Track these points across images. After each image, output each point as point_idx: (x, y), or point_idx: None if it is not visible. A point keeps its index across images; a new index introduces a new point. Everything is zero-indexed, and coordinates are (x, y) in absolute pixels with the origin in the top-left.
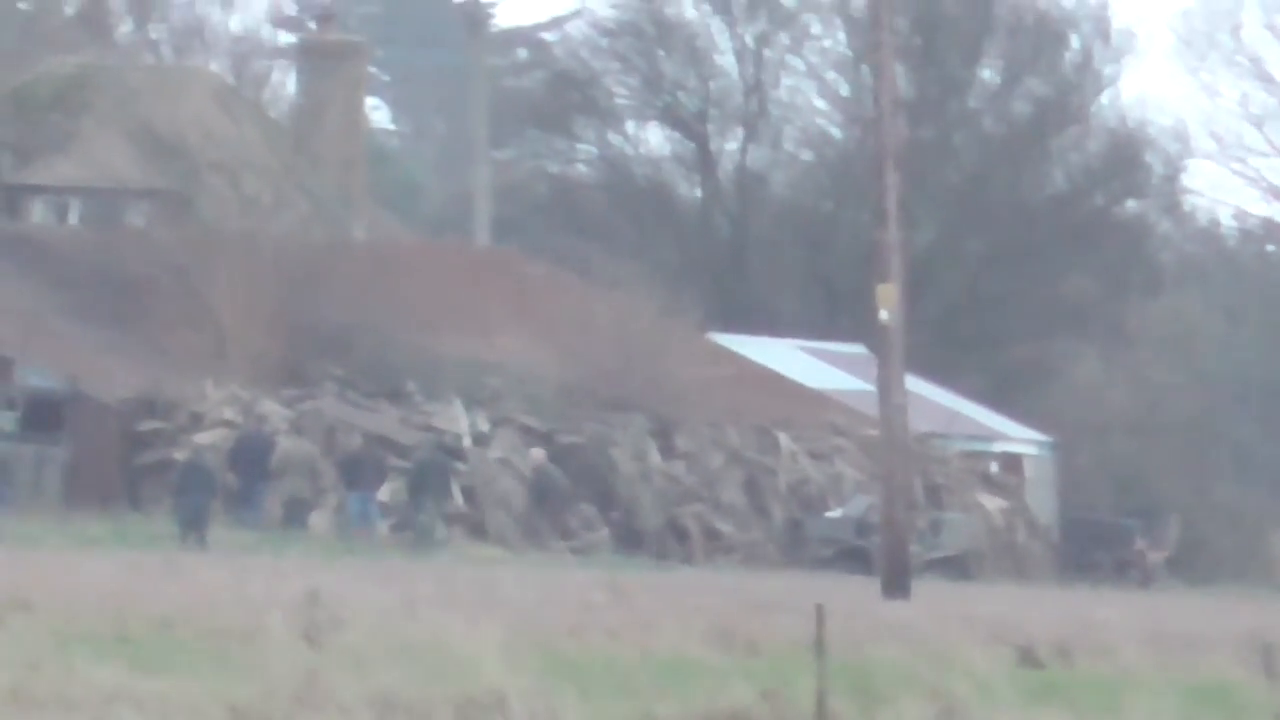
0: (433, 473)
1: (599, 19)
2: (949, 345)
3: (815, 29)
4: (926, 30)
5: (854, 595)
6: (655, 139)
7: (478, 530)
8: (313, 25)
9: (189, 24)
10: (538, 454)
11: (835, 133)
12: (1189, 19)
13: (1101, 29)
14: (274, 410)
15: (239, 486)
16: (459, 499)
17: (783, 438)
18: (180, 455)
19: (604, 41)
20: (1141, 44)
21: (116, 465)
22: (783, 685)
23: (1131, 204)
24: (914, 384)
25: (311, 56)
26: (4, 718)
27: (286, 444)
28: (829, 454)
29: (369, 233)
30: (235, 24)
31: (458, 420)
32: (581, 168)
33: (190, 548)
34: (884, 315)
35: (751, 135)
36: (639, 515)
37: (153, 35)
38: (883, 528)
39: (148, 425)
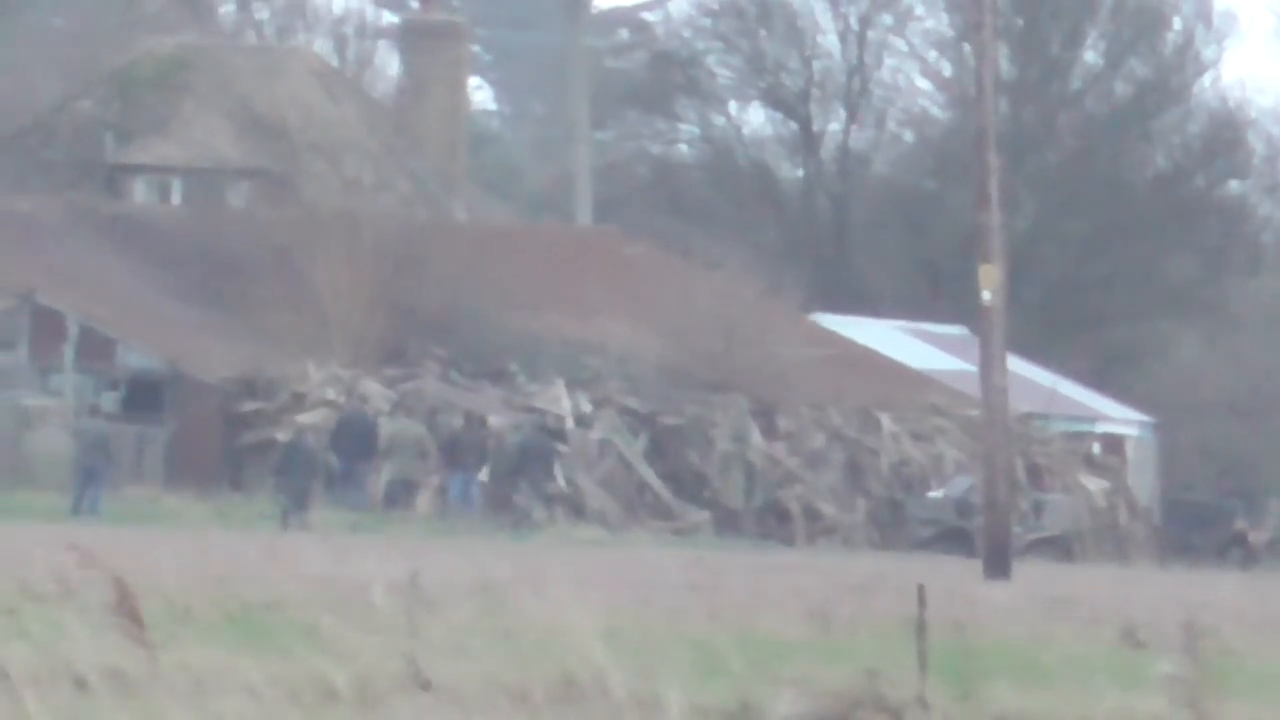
0: (534, 454)
1: None
2: (1050, 326)
3: (918, 9)
4: (1029, 11)
5: (955, 576)
6: (757, 119)
7: (578, 511)
8: (415, 5)
9: (291, 4)
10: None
11: (937, 113)
12: None
13: (1203, 11)
14: (376, 390)
15: (341, 467)
16: (560, 480)
17: (884, 418)
18: (282, 436)
19: (706, 21)
20: (1243, 25)
21: (217, 446)
22: (883, 666)
23: (1233, 185)
24: (1015, 364)
25: (414, 36)
26: (108, 698)
27: (395, 424)
28: (930, 435)
29: (470, 214)
30: (337, 4)
31: (560, 401)
32: (683, 148)
33: (292, 529)
34: (986, 296)
35: (854, 116)
36: (737, 496)
37: (255, 15)
38: (984, 508)
39: (249, 406)
